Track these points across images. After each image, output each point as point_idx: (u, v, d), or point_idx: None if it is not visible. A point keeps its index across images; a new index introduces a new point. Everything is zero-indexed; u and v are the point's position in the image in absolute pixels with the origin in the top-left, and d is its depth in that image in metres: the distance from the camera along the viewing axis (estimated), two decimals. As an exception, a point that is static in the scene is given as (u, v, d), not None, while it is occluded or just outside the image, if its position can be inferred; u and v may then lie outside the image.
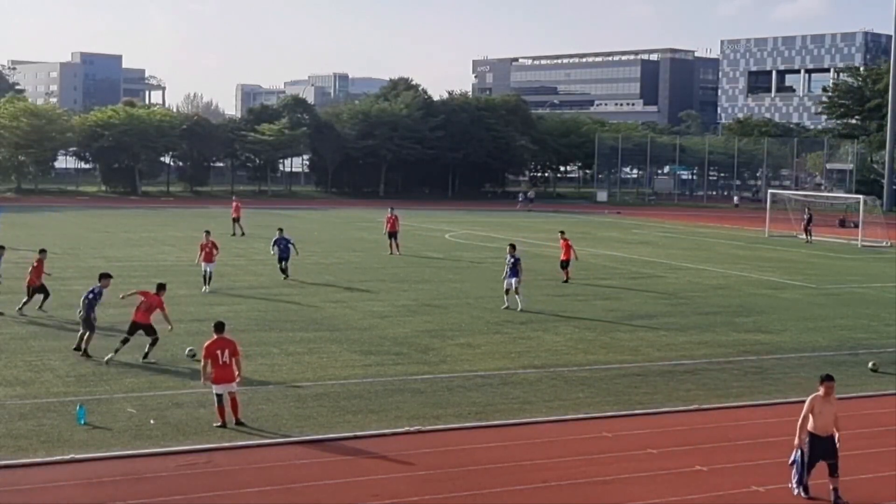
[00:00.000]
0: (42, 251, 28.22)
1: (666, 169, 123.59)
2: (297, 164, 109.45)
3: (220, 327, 17.38)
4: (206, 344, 17.19)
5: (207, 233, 33.77)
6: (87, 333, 21.82)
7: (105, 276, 22.85)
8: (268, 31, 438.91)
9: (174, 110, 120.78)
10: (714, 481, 14.70)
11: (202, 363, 17.16)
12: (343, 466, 15.01)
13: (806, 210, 60.69)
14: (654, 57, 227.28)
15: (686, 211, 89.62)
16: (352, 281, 35.03)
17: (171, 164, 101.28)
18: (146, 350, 21.26)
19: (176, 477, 14.46)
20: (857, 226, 60.23)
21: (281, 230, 36.04)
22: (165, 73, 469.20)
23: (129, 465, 14.82)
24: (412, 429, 16.88)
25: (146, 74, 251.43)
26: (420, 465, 15.14)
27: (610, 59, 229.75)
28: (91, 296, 22.03)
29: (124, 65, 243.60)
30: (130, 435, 16.18)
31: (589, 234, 60.51)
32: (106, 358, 21.00)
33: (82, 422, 16.58)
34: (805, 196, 68.31)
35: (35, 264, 27.38)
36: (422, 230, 55.89)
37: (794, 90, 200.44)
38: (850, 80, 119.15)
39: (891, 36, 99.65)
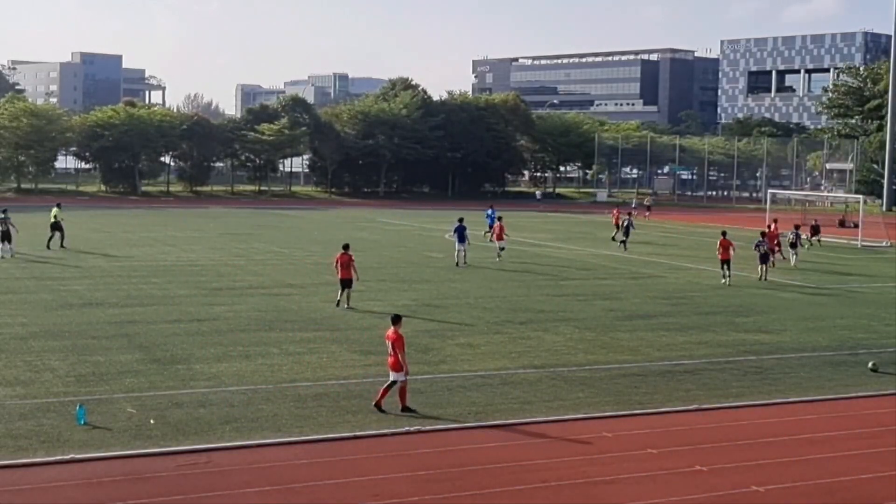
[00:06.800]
0: (345, 246, 30.40)
1: (666, 169, 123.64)
2: (297, 164, 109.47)
3: (393, 319, 18.30)
4: None
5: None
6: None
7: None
8: (268, 31, 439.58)
9: (174, 110, 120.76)
10: (714, 481, 14.68)
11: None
12: (343, 466, 15.00)
13: (813, 221, 59.26)
14: (654, 57, 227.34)
15: (686, 211, 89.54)
16: (352, 281, 34.97)
17: (172, 164, 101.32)
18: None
19: (176, 477, 14.44)
20: (857, 226, 60.10)
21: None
22: (165, 73, 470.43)
23: (129, 465, 14.79)
24: (412, 429, 16.87)
25: (146, 74, 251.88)
26: (420, 465, 15.12)
27: (610, 59, 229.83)
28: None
29: (124, 65, 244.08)
30: (130, 435, 16.16)
31: (589, 234, 60.57)
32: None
33: (82, 422, 16.56)
34: (805, 196, 68.16)
35: (339, 259, 29.38)
36: (422, 230, 55.83)
37: (794, 90, 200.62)
38: (850, 80, 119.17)
39: (891, 36, 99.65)
